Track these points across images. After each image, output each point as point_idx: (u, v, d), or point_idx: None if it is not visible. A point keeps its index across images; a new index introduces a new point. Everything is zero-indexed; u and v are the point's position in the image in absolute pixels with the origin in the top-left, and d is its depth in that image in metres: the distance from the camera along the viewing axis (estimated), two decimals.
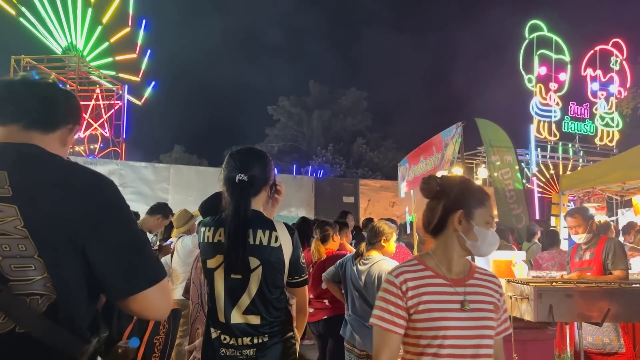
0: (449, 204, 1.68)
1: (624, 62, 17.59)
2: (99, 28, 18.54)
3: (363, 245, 3.63)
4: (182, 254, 4.80)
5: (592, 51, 17.36)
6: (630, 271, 5.94)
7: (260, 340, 2.00)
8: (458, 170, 3.72)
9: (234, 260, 1.96)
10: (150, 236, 4.80)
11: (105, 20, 18.59)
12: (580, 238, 4.34)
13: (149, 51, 19.72)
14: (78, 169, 1.30)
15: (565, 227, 5.56)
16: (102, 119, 18.28)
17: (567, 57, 16.63)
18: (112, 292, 1.27)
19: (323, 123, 31.95)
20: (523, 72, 16.12)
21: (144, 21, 19.44)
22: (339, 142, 30.60)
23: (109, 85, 18.61)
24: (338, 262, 3.82)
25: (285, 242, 2.06)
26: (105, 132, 18.04)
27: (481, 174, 17.35)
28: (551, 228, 8.94)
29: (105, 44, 18.75)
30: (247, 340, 2.00)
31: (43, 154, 1.30)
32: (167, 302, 1.33)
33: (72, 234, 1.21)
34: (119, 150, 17.68)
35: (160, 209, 4.79)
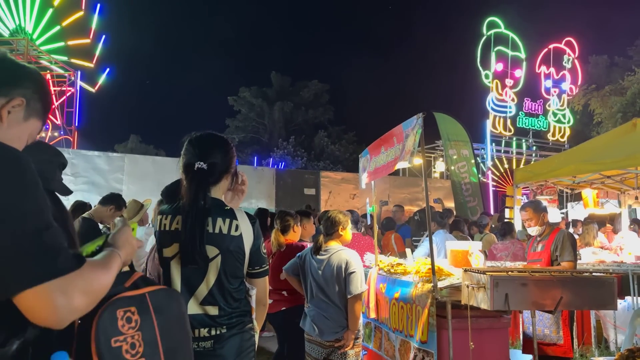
0: None
1: (576, 61, 18.29)
2: (50, 11, 17.68)
3: (321, 238, 3.61)
4: None
5: (546, 49, 17.95)
6: (579, 261, 6.20)
7: (218, 332, 1.94)
8: (418, 161, 3.74)
9: (190, 251, 1.89)
10: (101, 227, 4.62)
11: (56, 3, 17.75)
12: (533, 230, 4.47)
13: (103, 36, 18.95)
14: None
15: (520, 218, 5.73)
16: (52, 106, 17.46)
17: (522, 54, 17.11)
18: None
19: (284, 115, 31.78)
20: (480, 68, 16.48)
21: (98, 5, 18.68)
22: (300, 134, 30.54)
23: (61, 71, 17.82)
24: (298, 254, 3.79)
25: (246, 231, 2.00)
26: (56, 120, 17.30)
27: (439, 167, 17.71)
28: (505, 220, 9.22)
29: (57, 28, 17.91)
30: (204, 331, 1.94)
31: None
32: (68, 303, 1.03)
33: None
34: (71, 139, 17.00)
35: (113, 200, 4.62)
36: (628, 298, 5.50)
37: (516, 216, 7.99)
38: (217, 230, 1.94)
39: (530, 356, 4.26)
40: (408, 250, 4.91)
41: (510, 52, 16.82)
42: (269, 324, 4.59)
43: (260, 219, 5.07)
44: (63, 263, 1.05)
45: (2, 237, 1.01)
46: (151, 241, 4.46)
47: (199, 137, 2.05)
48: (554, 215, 10.03)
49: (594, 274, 3.54)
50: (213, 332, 1.94)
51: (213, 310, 1.94)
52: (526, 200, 9.01)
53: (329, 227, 3.62)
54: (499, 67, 16.61)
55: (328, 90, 32.85)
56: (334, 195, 12.73)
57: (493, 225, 8.86)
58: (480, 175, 13.75)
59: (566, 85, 18.07)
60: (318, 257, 3.56)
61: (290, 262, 3.82)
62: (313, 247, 3.64)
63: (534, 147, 17.85)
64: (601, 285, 3.12)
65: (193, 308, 1.94)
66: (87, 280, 1.10)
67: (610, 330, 5.59)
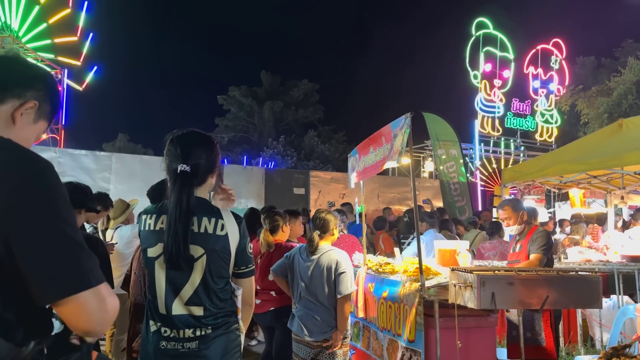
0: None
1: (563, 62, 18.48)
2: (36, 8, 17.50)
3: (316, 236, 3.57)
4: (119, 245, 4.61)
5: (534, 50, 18.12)
6: (566, 260, 6.24)
7: (203, 332, 1.92)
8: (406, 161, 3.74)
9: (175, 251, 1.86)
10: (88, 227, 4.57)
11: (42, 0, 17.56)
12: (512, 230, 4.44)
13: (90, 34, 18.82)
14: (14, 149, 1.09)
15: None
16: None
17: (510, 55, 17.24)
18: (37, 293, 1.05)
19: (274, 114, 31.68)
20: (469, 69, 16.57)
21: (85, 2, 18.51)
22: (290, 134, 30.46)
23: (47, 69, 17.64)
24: (286, 254, 3.76)
25: (232, 231, 1.97)
26: None
27: (428, 167, 17.78)
28: (494, 219, 9.27)
29: (43, 25, 17.74)
30: (189, 332, 1.91)
31: None
32: (103, 312, 1.09)
33: None
34: (58, 138, 16.83)
35: (100, 200, 4.55)
36: (613, 296, 5.56)
37: None
38: (202, 230, 1.91)
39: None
40: (396, 250, 4.92)
41: (498, 53, 16.93)
42: (258, 326, 4.57)
43: (251, 219, 5.05)
44: (99, 272, 1.10)
45: (51, 245, 1.04)
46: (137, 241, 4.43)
47: (181, 136, 1.99)
48: (541, 214, 10.09)
49: (579, 273, 3.56)
50: (198, 333, 1.91)
51: (198, 311, 1.92)
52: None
53: (323, 227, 3.60)
54: (488, 67, 16.72)
55: (318, 90, 32.85)
56: (324, 194, 12.72)
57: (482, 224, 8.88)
58: (468, 175, 13.82)
59: (554, 86, 18.25)
60: (308, 257, 3.54)
61: (277, 263, 3.79)
62: (308, 247, 3.59)
63: (522, 147, 18.00)
64: (587, 284, 3.14)
65: (178, 309, 1.91)
66: (104, 293, 1.13)
67: (596, 329, 5.64)
